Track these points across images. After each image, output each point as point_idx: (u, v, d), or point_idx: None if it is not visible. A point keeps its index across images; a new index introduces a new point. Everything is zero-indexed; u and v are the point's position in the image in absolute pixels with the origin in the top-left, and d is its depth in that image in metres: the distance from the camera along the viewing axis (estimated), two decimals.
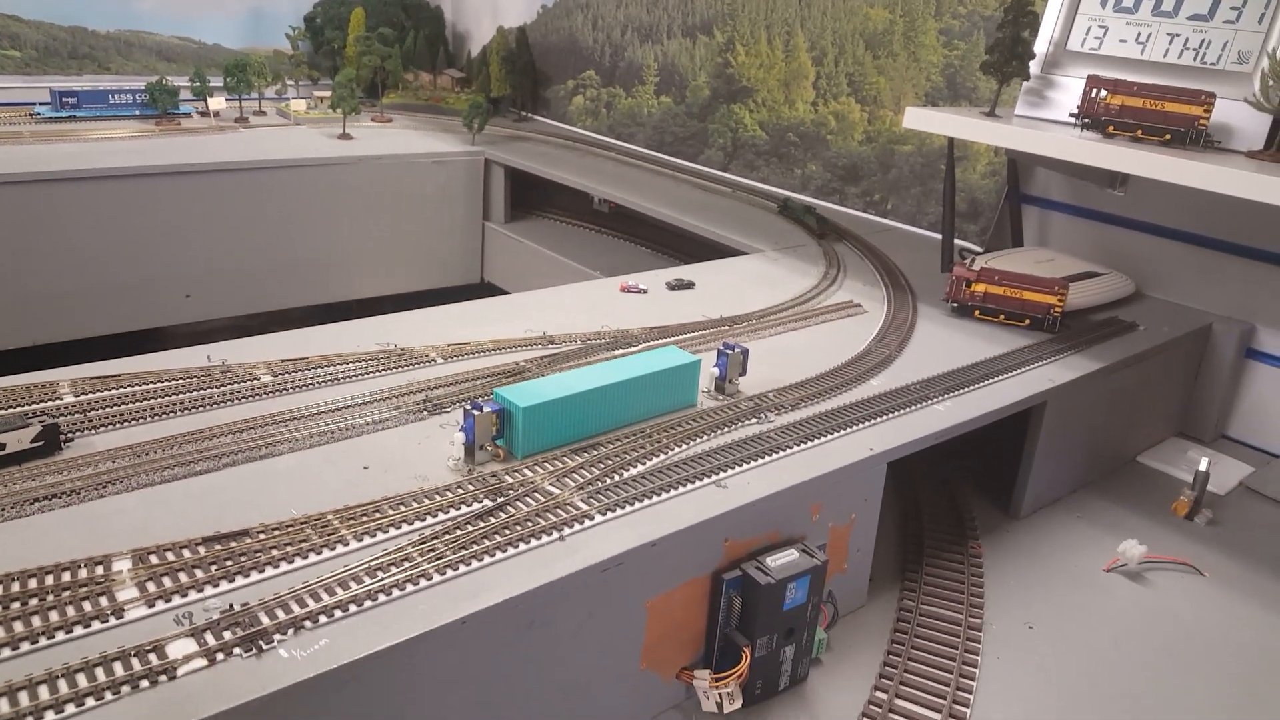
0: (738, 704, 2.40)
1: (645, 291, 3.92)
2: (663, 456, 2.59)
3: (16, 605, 1.84)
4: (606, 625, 2.25)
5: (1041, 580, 3.19)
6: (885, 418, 2.93)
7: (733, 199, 5.71)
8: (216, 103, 6.65)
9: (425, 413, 2.75)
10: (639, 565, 2.23)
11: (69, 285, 5.31)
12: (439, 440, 2.61)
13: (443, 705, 2.00)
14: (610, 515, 2.30)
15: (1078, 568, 3.30)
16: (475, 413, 2.46)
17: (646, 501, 2.37)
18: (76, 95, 6.33)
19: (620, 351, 3.27)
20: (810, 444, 2.71)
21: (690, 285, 4.03)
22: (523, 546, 2.16)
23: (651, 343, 3.37)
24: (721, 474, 2.51)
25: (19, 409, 2.53)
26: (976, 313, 3.89)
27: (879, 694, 2.56)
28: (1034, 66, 4.01)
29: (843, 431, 2.81)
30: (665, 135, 6.65)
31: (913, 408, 3.02)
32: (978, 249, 4.88)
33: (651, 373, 2.78)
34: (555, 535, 2.21)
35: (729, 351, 2.95)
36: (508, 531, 2.20)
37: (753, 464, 2.57)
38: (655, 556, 2.25)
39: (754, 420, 2.82)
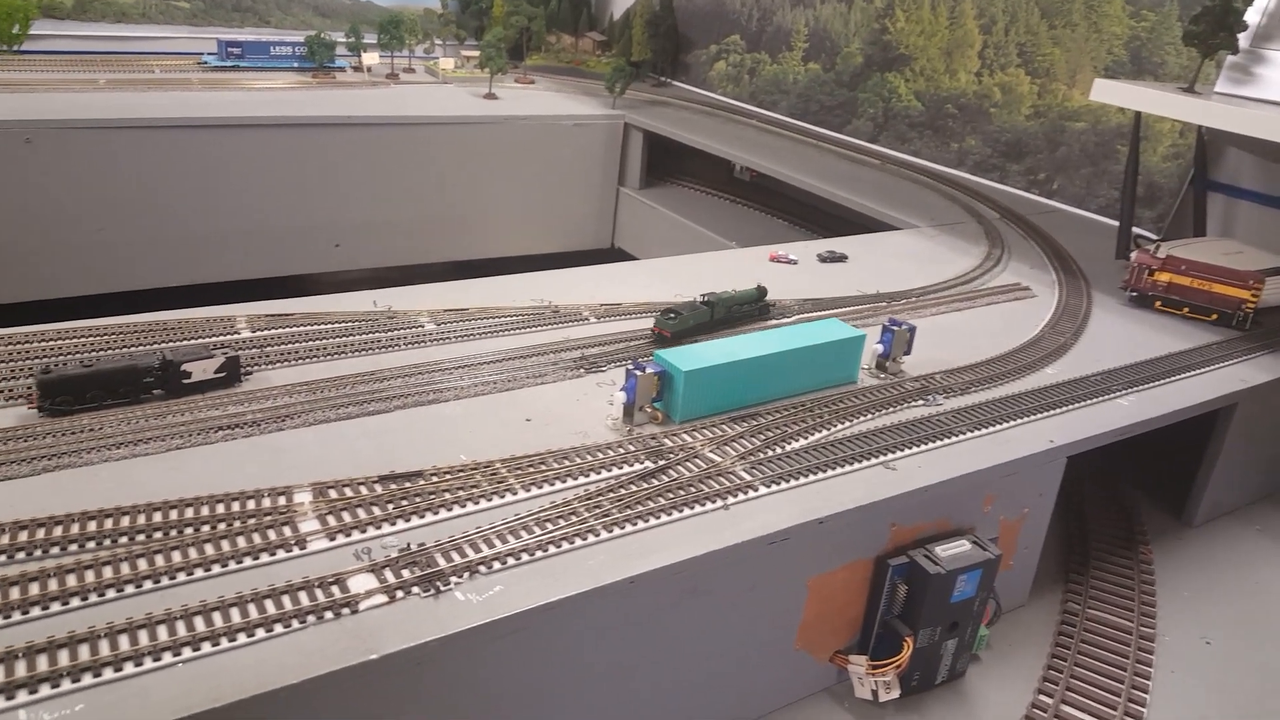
0: (894, 694, 2.30)
1: (796, 262, 3.80)
2: (825, 432, 2.49)
3: (207, 528, 1.91)
4: (766, 599, 2.18)
5: (1219, 593, 2.95)
6: (1064, 409, 2.74)
7: (882, 172, 5.49)
8: (369, 58, 6.81)
9: (582, 370, 2.73)
10: (804, 542, 2.15)
11: (227, 228, 5.55)
12: (596, 398, 2.59)
13: (602, 661, 1.98)
14: (774, 488, 2.22)
15: (1258, 583, 3.04)
16: (637, 373, 2.41)
17: (812, 477, 2.28)
18: (241, 46, 6.59)
19: (774, 322, 3.17)
20: (984, 431, 2.56)
21: (843, 258, 3.89)
22: (686, 512, 2.11)
23: (804, 315, 3.26)
24: (889, 455, 2.40)
25: (202, 340, 2.64)
26: (1158, 304, 3.60)
27: (1043, 698, 2.42)
28: (1243, 40, 3.65)
29: (1019, 420, 2.64)
30: (810, 103, 6.45)
31: (1094, 400, 2.82)
32: (1154, 237, 4.53)
33: (814, 345, 2.68)
34: (719, 503, 2.15)
35: (895, 328, 2.81)
36: (671, 495, 2.15)
37: (923, 447, 2.45)
38: (822, 534, 2.17)
39: (920, 402, 2.69)
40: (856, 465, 2.34)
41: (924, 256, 4.05)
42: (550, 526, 2.01)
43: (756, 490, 2.20)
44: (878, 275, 3.75)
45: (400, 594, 1.79)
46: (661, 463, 2.27)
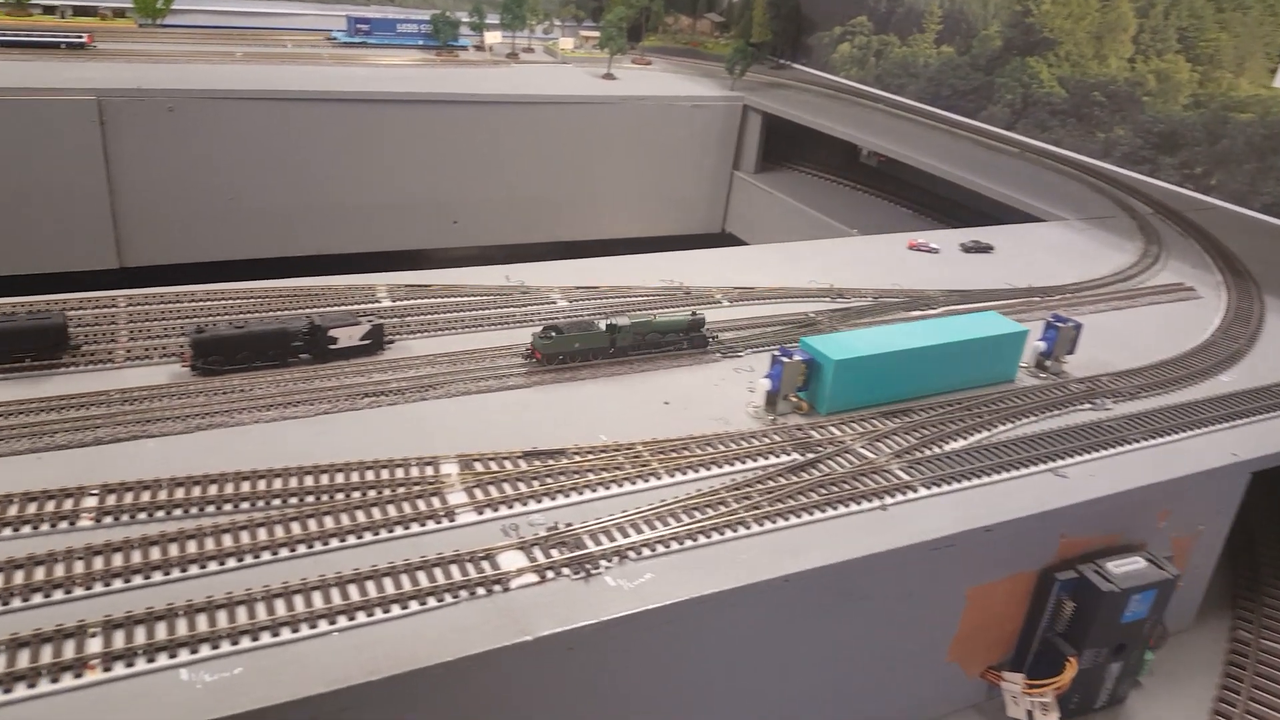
0: (1053, 717, 2.14)
1: (937, 251, 3.61)
2: (986, 433, 2.33)
3: (357, 495, 1.89)
4: (922, 607, 2.05)
5: None
6: (1247, 420, 2.50)
7: (1020, 160, 5.20)
8: (491, 37, 6.84)
9: (718, 354, 2.63)
10: (968, 549, 2.00)
11: (349, 201, 5.64)
12: (734, 384, 2.49)
13: (746, 660, 1.89)
14: (935, 490, 2.08)
15: None
16: (784, 359, 2.30)
17: (975, 481, 2.13)
18: (369, 23, 6.70)
19: (918, 313, 3.01)
20: (1159, 440, 2.36)
21: (988, 249, 3.68)
22: (841, 510, 1.99)
23: (951, 307, 3.08)
24: (1058, 461, 2.22)
25: (348, 307, 2.64)
26: None
27: None
28: None
29: (1196, 430, 2.42)
30: (942, 88, 6.17)
31: (1278, 413, 2.57)
32: None
33: (972, 339, 2.51)
34: (875, 503, 2.02)
35: (1060, 325, 2.62)
36: (823, 491, 2.04)
37: (1094, 455, 2.26)
38: (986, 543, 2.02)
39: (1087, 405, 2.49)
40: (1023, 471, 2.18)
41: (1074, 251, 3.80)
42: (698, 515, 1.92)
43: (916, 491, 2.07)
44: (1026, 268, 3.53)
45: (550, 574, 1.73)
46: (810, 456, 2.15)
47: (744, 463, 2.11)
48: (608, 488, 1.99)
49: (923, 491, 2.07)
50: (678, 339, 2.57)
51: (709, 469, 2.08)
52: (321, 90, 5.40)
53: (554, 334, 2.44)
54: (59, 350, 2.24)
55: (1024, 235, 4.00)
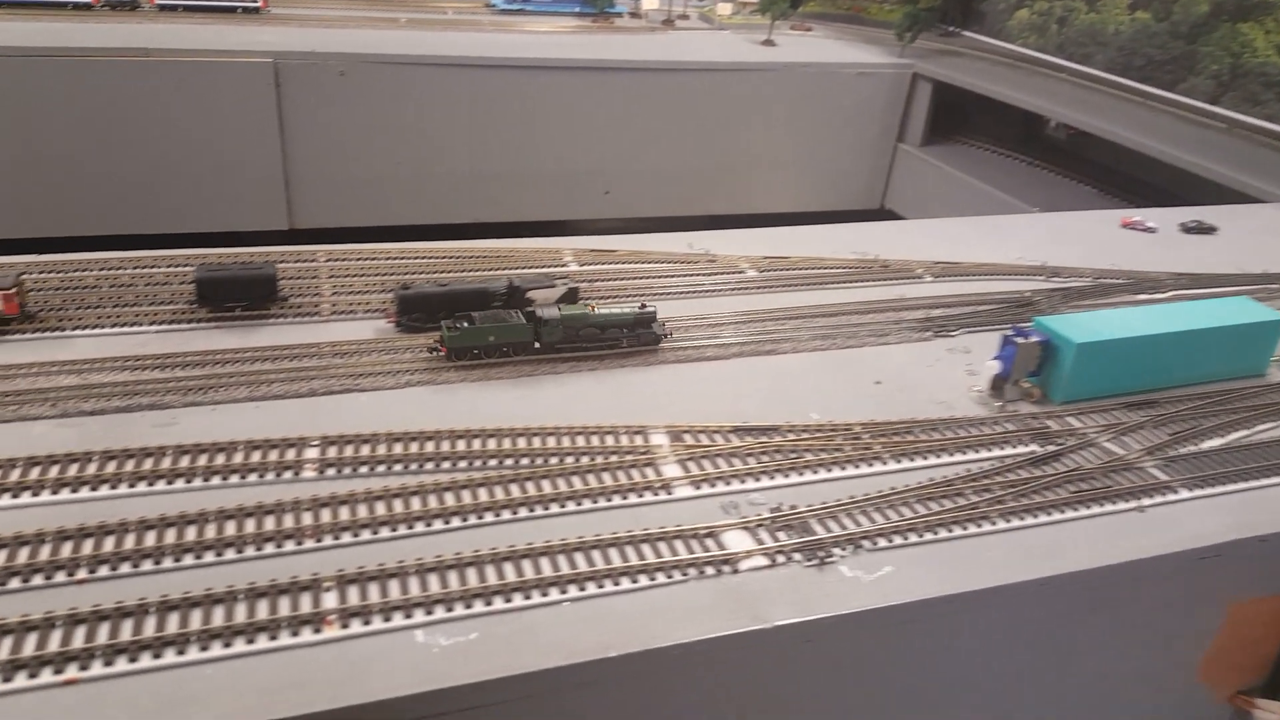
0: None
1: (1154, 230, 3.28)
2: (1244, 431, 2.07)
3: (570, 460, 1.82)
4: (1177, 620, 1.83)
5: None
6: None
7: (1229, 136, 4.71)
8: (647, 3, 6.72)
9: (930, 333, 2.44)
10: (1236, 560, 1.77)
11: (502, 168, 5.65)
12: (949, 365, 2.30)
13: (984, 666, 1.73)
14: (1197, 492, 1.85)
15: None
16: (1018, 340, 2.10)
17: (1242, 484, 1.89)
18: None
19: (1144, 296, 2.73)
20: None
21: (1210, 230, 3.32)
22: (1094, 509, 1.79)
23: (1180, 291, 2.78)
24: None
25: (544, 269, 2.58)
26: None
27: None
28: None
29: None
30: (1135, 58, 5.66)
31: None
32: None
33: (1222, 326, 2.24)
34: (1131, 503, 1.81)
35: None
36: (1071, 488, 1.84)
37: None
38: (1258, 554, 1.78)
39: None
40: None
41: None
42: (934, 506, 1.76)
43: (1176, 493, 1.84)
44: (1255, 252, 3.16)
45: (780, 559, 1.61)
46: (1051, 448, 1.95)
47: (976, 452, 1.94)
48: (829, 469, 1.85)
49: (1184, 493, 1.84)
50: (620, 335, 2.20)
51: (938, 456, 1.91)
52: (479, 56, 5.40)
53: (464, 325, 2.09)
54: (268, 301, 2.26)
55: (1248, 216, 3.60)
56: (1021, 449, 1.95)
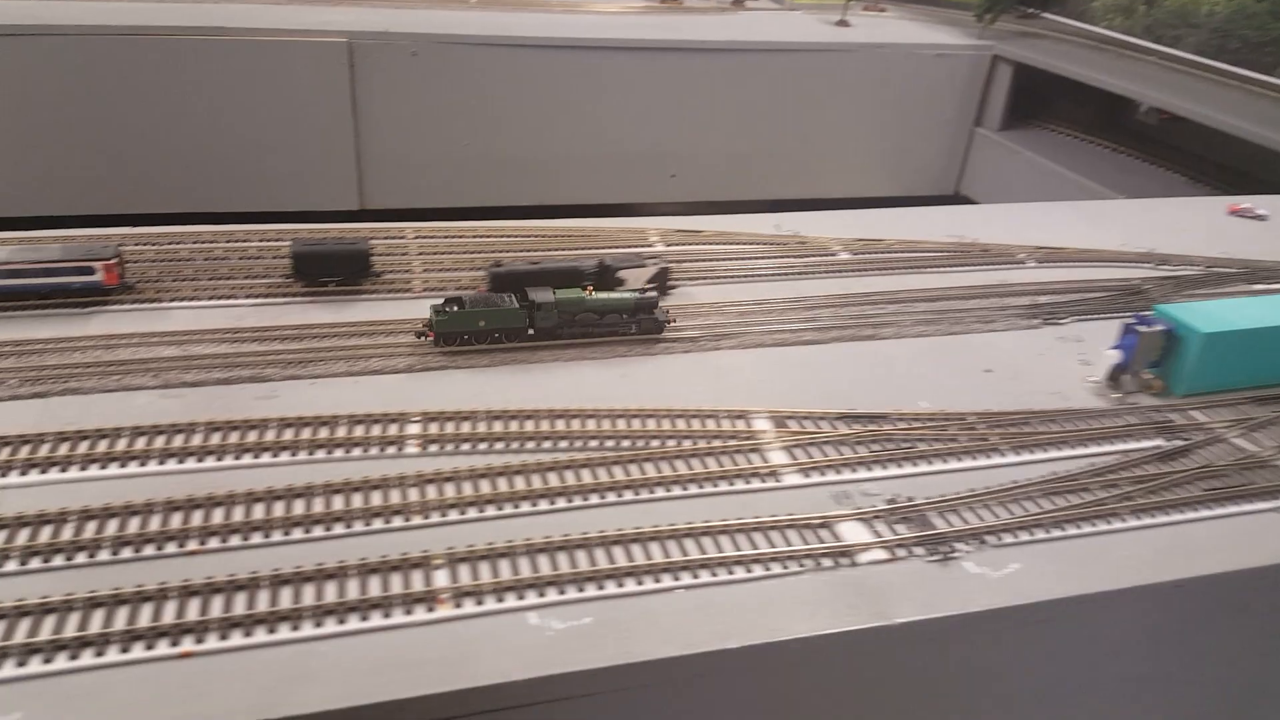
0: None
1: (1265, 218, 3.11)
2: None
3: (672, 443, 1.76)
4: None
5: None
6: None
7: None
8: None
9: (1038, 320, 2.33)
10: None
11: (567, 150, 5.58)
12: (1061, 354, 2.19)
13: (1112, 669, 1.64)
14: None
15: None
16: (1140, 329, 1.99)
17: None
18: None
19: (1261, 286, 2.58)
20: None
21: None
22: (1231, 509, 1.69)
23: None
24: None
25: (635, 249, 2.53)
26: None
27: None
28: None
29: None
30: (1229, 40, 5.40)
31: None
32: None
33: None
34: (1271, 503, 1.70)
35: None
36: (1203, 485, 1.73)
37: None
38: None
39: None
40: None
41: None
42: (1060, 502, 1.67)
43: None
44: None
45: (901, 553, 1.54)
46: (1177, 442, 1.84)
47: (1098, 445, 1.84)
48: (944, 460, 1.77)
49: None
50: (621, 321, 2.08)
51: (1058, 449, 1.82)
52: (548, 37, 5.35)
53: (453, 308, 1.98)
54: (362, 276, 2.24)
55: None
56: (1146, 443, 1.85)
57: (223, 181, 5.14)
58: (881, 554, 1.53)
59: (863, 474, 1.72)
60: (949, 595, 1.45)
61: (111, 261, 2.05)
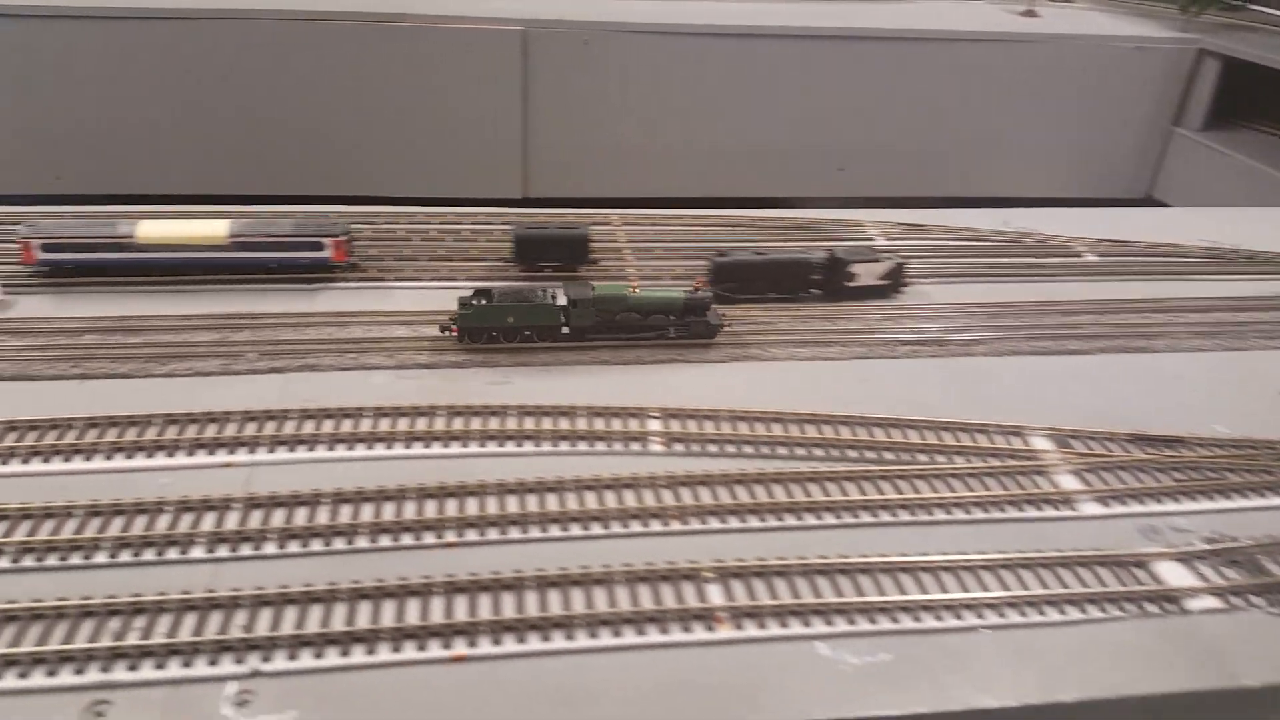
0: None
1: None
2: None
3: (943, 459, 1.58)
4: None
5: None
6: None
7: None
8: None
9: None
10: None
11: (730, 142, 5.40)
12: None
13: None
14: None
15: None
16: None
17: None
18: None
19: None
20: None
21: None
22: None
23: None
24: None
25: (868, 242, 2.35)
26: None
27: None
28: None
29: None
30: None
31: None
32: None
33: None
34: None
35: None
36: None
37: None
38: None
39: None
40: None
41: None
42: None
43: None
44: None
45: (1237, 601, 1.32)
46: None
47: None
48: (1261, 495, 1.54)
49: None
50: (665, 323, 1.85)
51: None
52: (718, 25, 5.20)
53: (480, 302, 1.79)
54: (580, 261, 2.15)
55: None
56: None
57: (390, 166, 5.21)
58: (1213, 602, 1.32)
59: (1170, 505, 1.50)
60: None
61: (341, 239, 2.02)
